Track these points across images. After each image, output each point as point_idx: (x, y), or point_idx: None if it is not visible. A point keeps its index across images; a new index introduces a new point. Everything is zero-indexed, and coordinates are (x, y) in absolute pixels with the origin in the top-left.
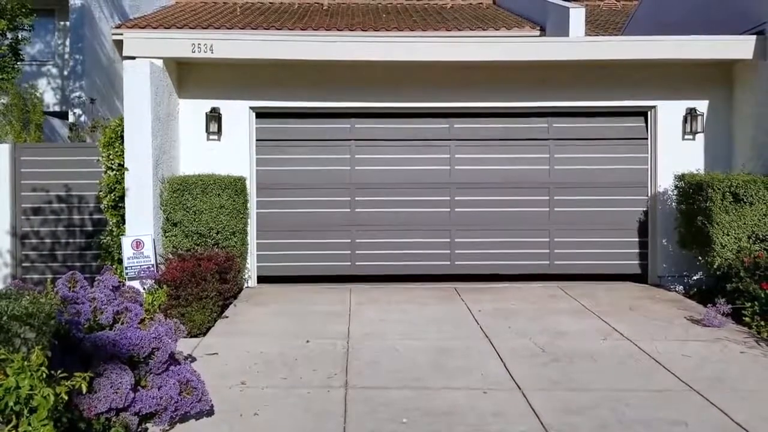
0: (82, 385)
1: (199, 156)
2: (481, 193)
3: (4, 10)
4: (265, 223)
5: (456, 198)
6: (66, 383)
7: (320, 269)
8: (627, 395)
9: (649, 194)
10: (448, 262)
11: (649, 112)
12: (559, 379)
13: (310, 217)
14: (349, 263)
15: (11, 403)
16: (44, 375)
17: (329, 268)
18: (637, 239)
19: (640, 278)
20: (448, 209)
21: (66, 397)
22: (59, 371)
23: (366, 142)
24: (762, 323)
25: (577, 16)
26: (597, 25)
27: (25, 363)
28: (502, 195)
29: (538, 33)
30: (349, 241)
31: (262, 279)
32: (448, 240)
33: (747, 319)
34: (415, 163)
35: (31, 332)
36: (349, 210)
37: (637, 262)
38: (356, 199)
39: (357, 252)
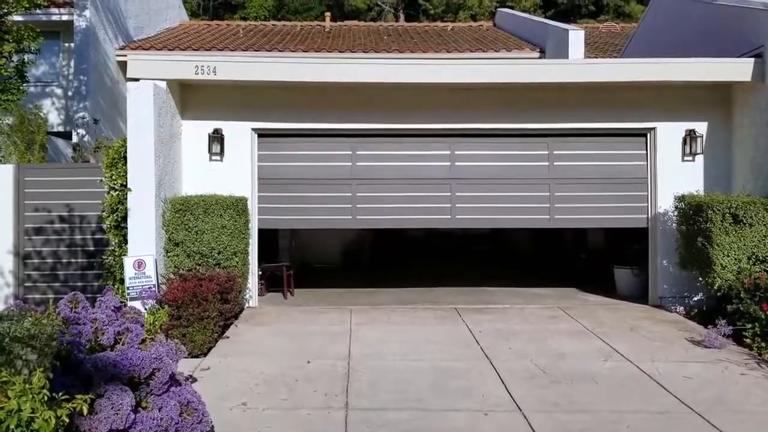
0: (83, 407)
1: (202, 176)
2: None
3: (10, 32)
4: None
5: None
6: (67, 405)
7: (321, 222)
8: (628, 417)
9: (649, 215)
10: (449, 216)
11: (648, 134)
12: (560, 401)
13: (312, 170)
14: (350, 217)
15: (12, 426)
16: (46, 398)
17: (330, 222)
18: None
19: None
20: (449, 163)
21: (67, 420)
22: (60, 393)
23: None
24: (763, 345)
25: (577, 39)
26: (596, 47)
27: (27, 386)
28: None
29: (537, 55)
30: (350, 194)
31: (262, 232)
32: (449, 194)
33: (748, 340)
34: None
35: (33, 354)
36: (350, 164)
37: (643, 216)
38: (357, 153)
39: (358, 206)
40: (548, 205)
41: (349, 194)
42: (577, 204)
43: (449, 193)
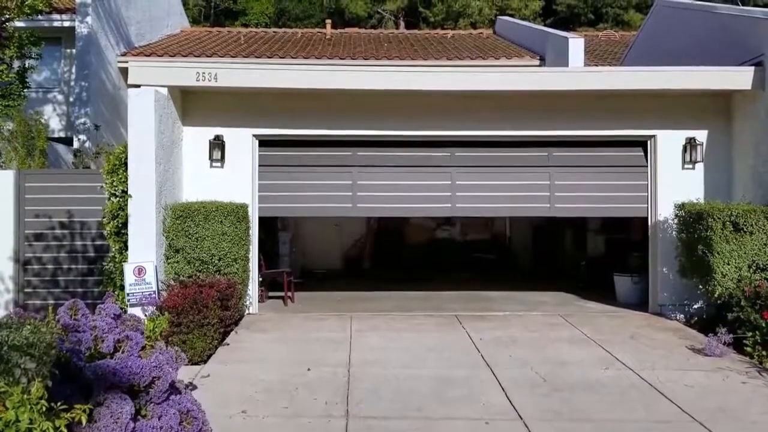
0: (82, 417)
1: (202, 183)
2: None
3: (12, 38)
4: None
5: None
6: (66, 415)
7: (321, 210)
8: (629, 426)
9: (650, 223)
10: (449, 205)
11: (648, 142)
12: (561, 409)
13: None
14: (351, 205)
15: None
16: (44, 408)
17: (329, 210)
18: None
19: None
20: (449, 153)
21: (65, 430)
22: (59, 403)
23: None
24: (764, 353)
25: (576, 46)
26: (596, 55)
27: (25, 396)
28: None
29: (537, 63)
30: (351, 182)
31: (262, 220)
32: (449, 182)
33: (749, 348)
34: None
35: (32, 362)
36: (350, 153)
37: (643, 205)
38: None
39: (358, 194)
40: (548, 194)
41: (350, 182)
42: (577, 193)
43: (449, 182)
